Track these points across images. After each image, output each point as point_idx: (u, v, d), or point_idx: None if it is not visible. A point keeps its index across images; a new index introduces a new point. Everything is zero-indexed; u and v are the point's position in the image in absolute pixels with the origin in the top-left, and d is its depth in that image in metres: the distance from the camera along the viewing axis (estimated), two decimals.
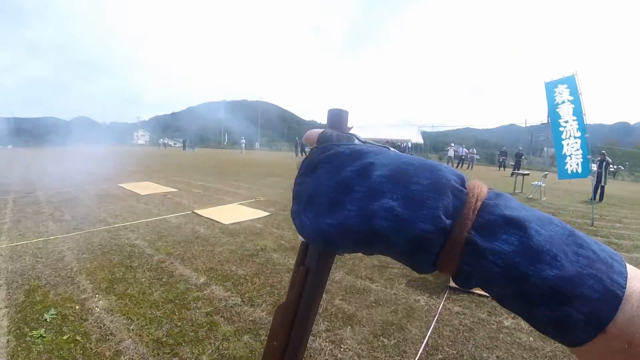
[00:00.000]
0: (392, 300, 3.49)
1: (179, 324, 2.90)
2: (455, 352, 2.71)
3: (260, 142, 65.07)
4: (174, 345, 2.61)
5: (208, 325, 2.94)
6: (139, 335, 2.70)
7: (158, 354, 2.50)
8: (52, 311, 2.89)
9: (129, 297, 3.30)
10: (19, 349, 2.45)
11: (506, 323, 3.12)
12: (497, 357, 2.64)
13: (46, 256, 4.31)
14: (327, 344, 2.75)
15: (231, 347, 2.67)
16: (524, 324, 3.12)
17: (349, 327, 2.98)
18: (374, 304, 3.39)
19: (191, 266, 4.10)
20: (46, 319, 2.79)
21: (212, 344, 2.68)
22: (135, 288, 3.47)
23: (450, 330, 2.99)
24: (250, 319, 3.07)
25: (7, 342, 2.56)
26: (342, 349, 2.69)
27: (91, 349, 2.47)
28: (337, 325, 3.00)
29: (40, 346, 2.47)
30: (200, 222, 6.18)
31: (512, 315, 3.26)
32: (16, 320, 2.79)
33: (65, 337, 2.58)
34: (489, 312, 3.30)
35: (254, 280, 3.75)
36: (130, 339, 2.65)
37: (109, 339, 2.61)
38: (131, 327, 2.80)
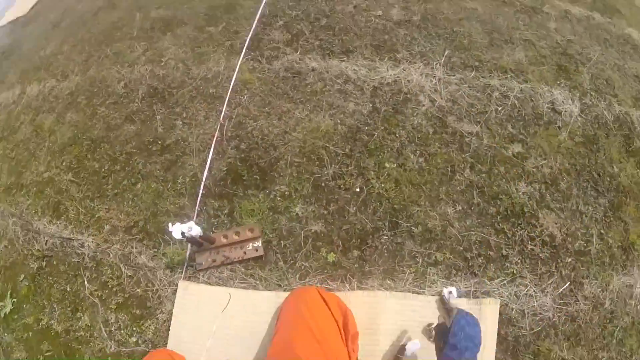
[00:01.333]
0: None
1: (12, 154, 2.59)
2: (299, 12, 2.26)
3: None
4: (17, 179, 2.26)
5: (35, 133, 2.49)
6: None
7: (10, 200, 2.29)
8: None
9: None
10: None
11: None
12: (355, 6, 2.23)
13: None
14: (146, 66, 2.25)
15: (58, 137, 2.34)
16: None
17: (169, 33, 2.38)
18: None
19: None
20: None
21: (43, 148, 2.37)
22: None
23: None
24: (67, 92, 2.60)
25: None
26: (162, 63, 2.22)
27: None
28: (155, 39, 2.39)
29: None
30: None
31: None
32: None
33: None
34: None
35: None
36: None
37: None
38: None
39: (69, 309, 1.82)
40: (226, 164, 1.74)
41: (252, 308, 1.47)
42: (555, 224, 1.72)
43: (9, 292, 2.07)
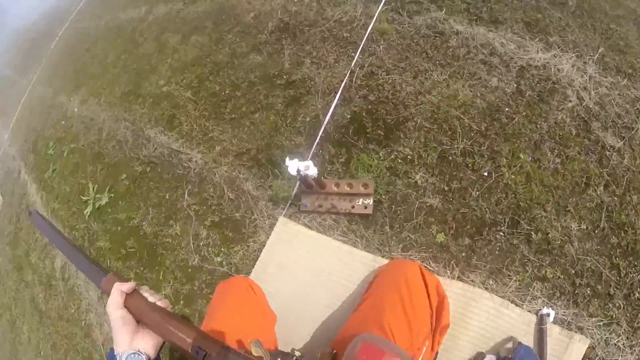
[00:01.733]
0: None
1: (134, 66, 2.82)
2: None
3: None
4: (135, 89, 2.60)
5: (158, 49, 2.68)
6: (109, 103, 2.76)
7: (126, 106, 2.55)
8: (51, 144, 3.01)
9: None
10: (46, 194, 2.73)
11: None
12: None
13: None
14: (279, 1, 2.22)
15: (181, 55, 2.45)
16: None
17: None
18: None
19: None
20: (50, 153, 2.93)
21: (165, 64, 2.53)
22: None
23: None
24: (194, 15, 2.65)
25: (41, 197, 2.77)
26: (295, 0, 2.14)
27: (82, 145, 2.68)
28: None
29: (56, 178, 2.74)
30: None
31: None
32: (37, 176, 2.99)
33: (65, 155, 2.79)
34: None
35: None
36: (104, 112, 2.69)
37: (91, 126, 2.76)
38: (102, 101, 2.81)
39: (162, 215, 1.91)
40: (351, 112, 1.65)
41: (345, 264, 1.40)
42: None
43: (108, 187, 2.24)
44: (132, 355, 0.63)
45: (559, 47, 1.76)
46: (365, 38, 1.79)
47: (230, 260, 1.62)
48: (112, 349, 0.66)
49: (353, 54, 1.77)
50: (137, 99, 2.48)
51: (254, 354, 0.68)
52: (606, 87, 1.70)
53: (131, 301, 0.67)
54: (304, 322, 1.37)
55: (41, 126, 3.44)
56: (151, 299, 0.69)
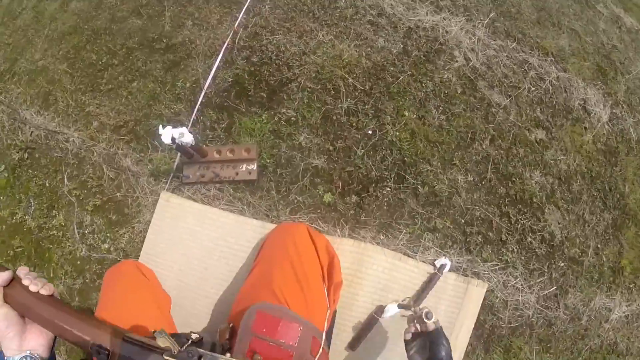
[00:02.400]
0: None
1: (10, 40, 2.36)
2: None
3: None
4: (11, 66, 2.18)
5: (36, 19, 2.31)
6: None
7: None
8: None
9: None
10: None
11: None
12: None
13: None
14: None
15: (59, 25, 2.16)
16: None
17: None
18: None
19: None
20: None
21: (42, 35, 2.17)
22: None
23: None
24: None
25: None
26: None
27: None
28: None
29: None
30: None
31: None
32: None
33: None
34: None
35: None
36: None
37: None
38: None
39: (45, 205, 1.72)
40: (233, 74, 1.56)
41: (234, 233, 1.36)
42: (559, 223, 1.65)
43: None
44: (26, 359, 0.57)
45: (449, 11, 1.80)
46: None
47: (118, 245, 1.50)
48: (0, 353, 0.59)
49: (237, 14, 1.66)
50: (12, 78, 2.17)
51: (160, 344, 0.62)
52: (494, 49, 1.78)
53: (12, 295, 0.59)
54: (201, 299, 1.33)
55: None
56: (33, 287, 0.60)
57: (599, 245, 1.71)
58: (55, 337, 0.63)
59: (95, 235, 1.56)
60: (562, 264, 1.58)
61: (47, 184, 1.76)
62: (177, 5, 1.80)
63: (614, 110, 1.96)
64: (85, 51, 1.90)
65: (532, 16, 2.02)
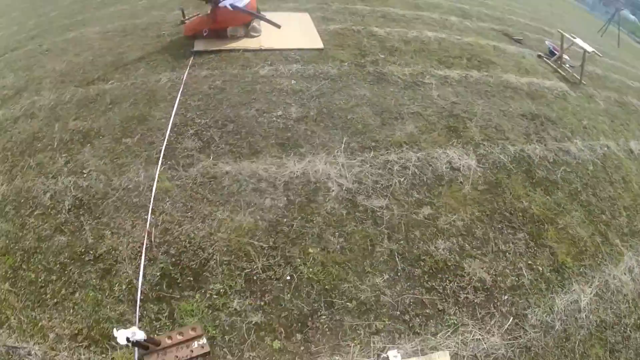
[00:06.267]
0: (130, 92, 2.84)
1: None
2: (207, 120, 2.46)
3: None
4: None
5: None
6: None
7: None
8: None
9: None
10: None
11: (262, 72, 2.83)
12: (257, 109, 2.49)
13: None
14: (69, 178, 2.27)
15: None
16: (283, 69, 2.85)
17: (88, 145, 2.44)
18: (110, 106, 2.74)
19: None
20: None
21: None
22: None
23: (200, 98, 2.65)
24: None
25: None
26: (84, 175, 2.27)
27: None
28: (75, 150, 2.44)
29: None
30: None
31: (269, 62, 2.95)
32: None
33: None
34: (242, 66, 2.91)
35: None
36: None
37: None
38: None
39: None
40: (159, 269, 1.80)
41: None
42: (482, 268, 1.89)
43: None
44: None
45: (311, 154, 2.23)
46: (152, 199, 2.00)
47: None
48: None
49: (146, 217, 1.95)
50: None
51: None
52: (358, 165, 2.19)
53: None
54: None
55: None
56: None
57: (529, 262, 1.94)
58: None
59: None
60: (505, 297, 1.79)
61: None
62: (93, 218, 2.04)
63: (478, 152, 2.34)
64: (22, 270, 1.98)
65: (377, 122, 2.49)
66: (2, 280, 2.14)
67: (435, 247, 1.92)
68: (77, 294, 1.92)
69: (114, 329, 1.37)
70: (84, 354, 1.81)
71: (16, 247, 2.19)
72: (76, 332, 1.86)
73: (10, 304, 2.07)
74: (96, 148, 2.41)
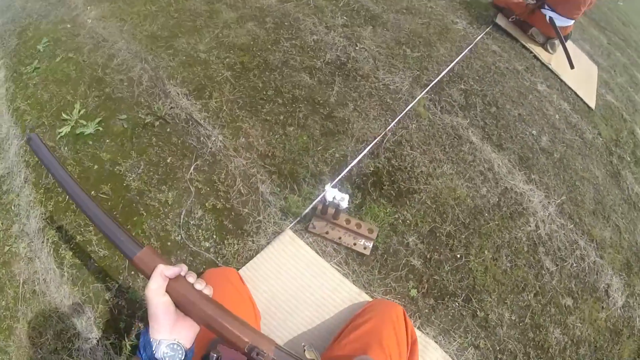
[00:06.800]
0: (426, 12, 2.92)
1: (176, 15, 2.57)
2: (479, 88, 2.52)
3: None
4: (169, 38, 2.42)
5: (208, 14, 2.57)
6: (132, 34, 2.45)
7: (152, 49, 2.35)
8: (45, 40, 2.52)
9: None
10: (17, 89, 2.28)
11: (539, 87, 2.81)
12: (519, 115, 2.51)
13: None
14: (341, 39, 2.43)
15: (232, 35, 2.38)
16: (554, 99, 2.83)
17: (371, 27, 2.57)
18: (404, 10, 2.84)
19: None
20: (39, 50, 2.48)
21: (211, 32, 2.44)
22: None
23: (481, 66, 2.69)
24: (257, 5, 2.62)
25: (7, 89, 2.33)
26: (357, 47, 2.41)
27: (84, 60, 2.33)
28: (357, 22, 2.58)
29: (36, 78, 2.30)
30: None
31: (548, 84, 2.92)
32: (12, 65, 2.47)
33: (58, 59, 2.36)
34: (526, 68, 2.90)
35: None
36: (123, 40, 2.41)
37: (101, 46, 2.39)
38: (124, 28, 2.49)
39: (156, 176, 1.85)
40: (374, 166, 1.90)
41: (334, 290, 1.57)
42: None
43: (99, 119, 2.06)
44: (172, 346, 0.61)
45: (535, 184, 2.27)
46: (403, 112, 2.10)
47: (221, 250, 1.65)
48: (146, 330, 0.63)
49: (390, 120, 2.06)
50: (167, 49, 2.35)
51: (308, 357, 0.70)
52: (557, 225, 2.22)
53: (175, 287, 0.63)
54: (282, 329, 1.48)
55: (40, 15, 2.92)
56: (198, 286, 0.65)
57: None
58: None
59: (201, 230, 1.70)
60: None
61: (168, 160, 1.90)
62: (346, 85, 2.17)
63: (628, 300, 2.29)
64: (252, 74, 2.19)
65: (591, 207, 2.47)
66: (226, 68, 2.35)
67: (552, 330, 1.89)
68: (291, 128, 2.08)
69: (328, 183, 1.52)
70: (261, 174, 1.90)
71: (258, 53, 2.36)
72: (269, 154, 2.00)
73: (221, 89, 2.27)
74: (377, 34, 2.53)
